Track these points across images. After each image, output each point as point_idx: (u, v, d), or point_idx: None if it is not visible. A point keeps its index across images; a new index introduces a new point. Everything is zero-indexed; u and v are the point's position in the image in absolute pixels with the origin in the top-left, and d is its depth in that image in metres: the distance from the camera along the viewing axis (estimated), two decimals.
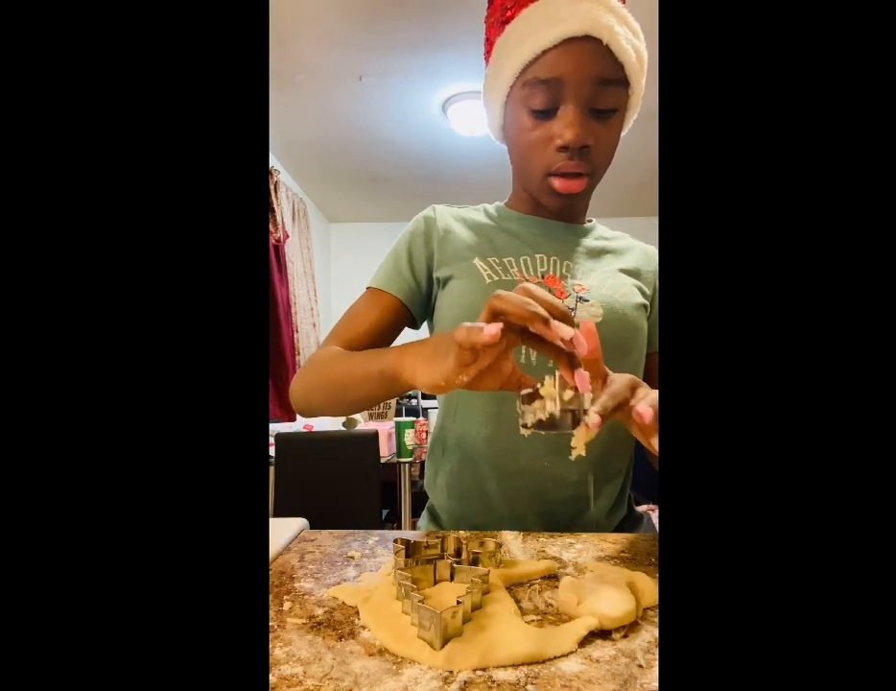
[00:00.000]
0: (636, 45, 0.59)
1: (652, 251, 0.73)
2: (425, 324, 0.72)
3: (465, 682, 0.29)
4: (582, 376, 0.35)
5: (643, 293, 0.67)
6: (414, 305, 0.68)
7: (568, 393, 0.37)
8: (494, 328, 0.33)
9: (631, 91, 0.61)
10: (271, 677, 0.30)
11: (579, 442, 0.39)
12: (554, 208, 0.65)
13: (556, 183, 0.60)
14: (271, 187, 2.85)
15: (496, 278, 0.63)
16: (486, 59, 0.66)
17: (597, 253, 0.69)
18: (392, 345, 0.61)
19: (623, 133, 0.65)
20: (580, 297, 0.63)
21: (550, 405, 0.37)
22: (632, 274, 0.68)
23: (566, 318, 0.35)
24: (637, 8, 0.61)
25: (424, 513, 0.72)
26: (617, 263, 0.69)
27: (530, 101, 0.59)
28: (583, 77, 0.56)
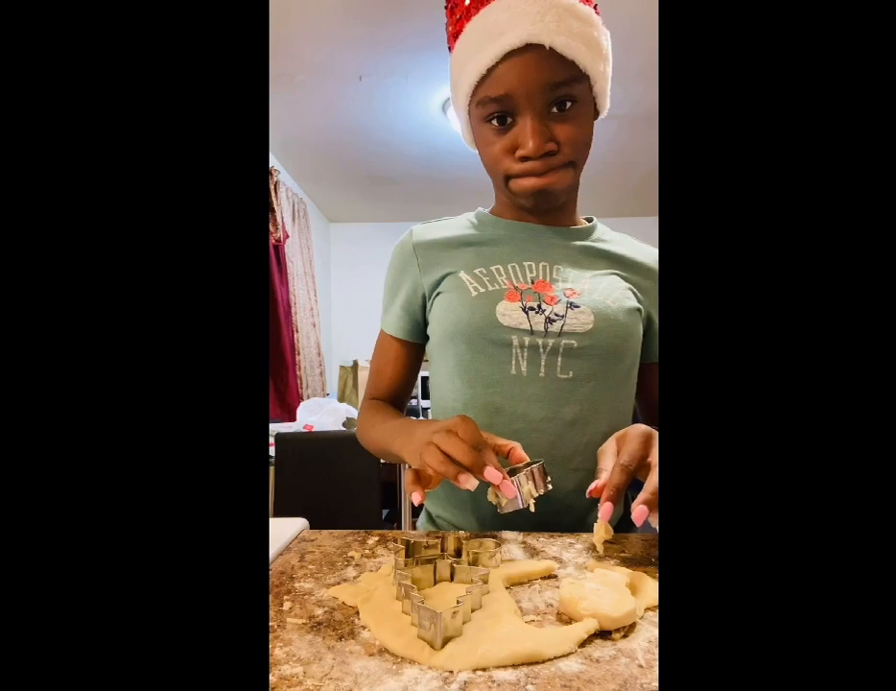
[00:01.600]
0: (587, 35, 0.55)
1: (655, 256, 0.71)
2: None
3: (465, 682, 0.29)
4: (508, 486, 0.47)
5: (637, 298, 0.66)
6: (422, 337, 0.72)
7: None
8: (416, 499, 0.48)
9: (593, 81, 0.58)
10: (271, 677, 0.30)
11: (599, 541, 0.47)
12: (532, 206, 0.65)
13: (526, 182, 0.60)
14: (271, 187, 2.85)
15: (482, 290, 0.63)
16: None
17: (590, 256, 0.68)
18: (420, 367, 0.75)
19: (602, 116, 0.64)
20: (571, 303, 0.62)
21: (499, 499, 0.50)
22: (628, 278, 0.67)
23: (475, 463, 0.46)
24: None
25: (423, 514, 0.72)
26: (612, 266, 0.68)
27: (486, 117, 0.60)
28: (532, 88, 0.55)
